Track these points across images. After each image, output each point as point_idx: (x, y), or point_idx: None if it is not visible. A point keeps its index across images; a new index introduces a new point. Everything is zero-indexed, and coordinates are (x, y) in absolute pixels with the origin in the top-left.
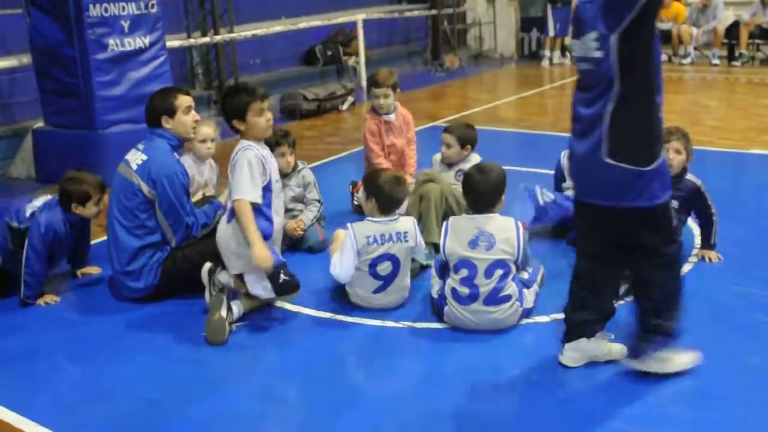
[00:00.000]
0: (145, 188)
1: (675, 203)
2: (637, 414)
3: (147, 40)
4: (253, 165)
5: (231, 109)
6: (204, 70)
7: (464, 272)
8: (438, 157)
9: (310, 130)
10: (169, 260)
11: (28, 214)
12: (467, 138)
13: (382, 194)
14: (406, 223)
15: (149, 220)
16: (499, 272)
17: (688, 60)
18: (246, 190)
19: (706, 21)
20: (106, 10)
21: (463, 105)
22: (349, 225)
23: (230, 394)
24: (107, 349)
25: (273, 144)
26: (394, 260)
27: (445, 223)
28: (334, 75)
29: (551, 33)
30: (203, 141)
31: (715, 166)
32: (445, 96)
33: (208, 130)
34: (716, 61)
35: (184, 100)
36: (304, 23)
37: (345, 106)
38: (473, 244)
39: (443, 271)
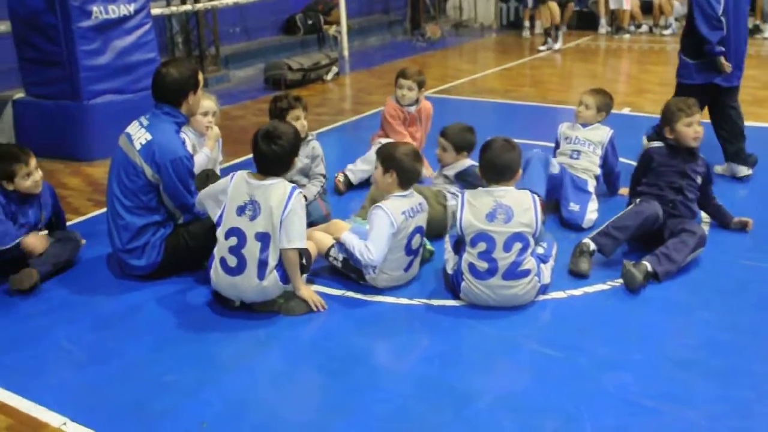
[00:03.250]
0: (148, 171)
1: (699, 179)
2: (665, 391)
3: (132, 8)
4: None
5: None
6: (184, 39)
7: (482, 246)
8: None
9: None
10: (173, 237)
11: None
12: (463, 143)
13: (403, 168)
14: (419, 196)
15: (152, 201)
16: (518, 246)
17: (669, 31)
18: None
19: None
20: None
21: (448, 76)
22: (380, 205)
23: (246, 376)
24: (112, 331)
25: (286, 108)
26: (421, 231)
27: (460, 196)
28: (315, 44)
29: (530, 4)
30: (205, 114)
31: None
32: (429, 66)
33: (209, 103)
34: None
35: (201, 77)
36: None
37: (329, 76)
38: (491, 216)
39: (458, 246)
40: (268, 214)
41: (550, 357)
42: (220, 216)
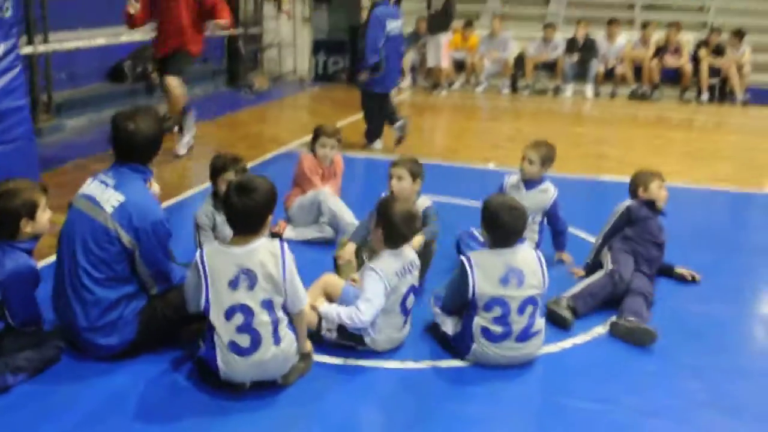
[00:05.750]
0: (125, 238)
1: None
2: None
3: (0, 49)
4: None
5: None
6: None
7: (497, 311)
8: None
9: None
10: (148, 309)
11: None
12: (418, 171)
13: (394, 228)
14: (411, 253)
15: (125, 270)
16: (530, 308)
17: (480, 88)
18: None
19: (496, 50)
20: None
21: (298, 129)
22: (373, 267)
23: None
24: (106, 426)
25: (220, 168)
26: (415, 291)
27: (466, 259)
28: (143, 93)
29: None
30: None
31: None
32: (273, 119)
33: None
34: (506, 90)
35: None
36: (125, 37)
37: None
38: (504, 281)
39: (458, 307)
40: (268, 279)
41: (590, 411)
42: (207, 300)
